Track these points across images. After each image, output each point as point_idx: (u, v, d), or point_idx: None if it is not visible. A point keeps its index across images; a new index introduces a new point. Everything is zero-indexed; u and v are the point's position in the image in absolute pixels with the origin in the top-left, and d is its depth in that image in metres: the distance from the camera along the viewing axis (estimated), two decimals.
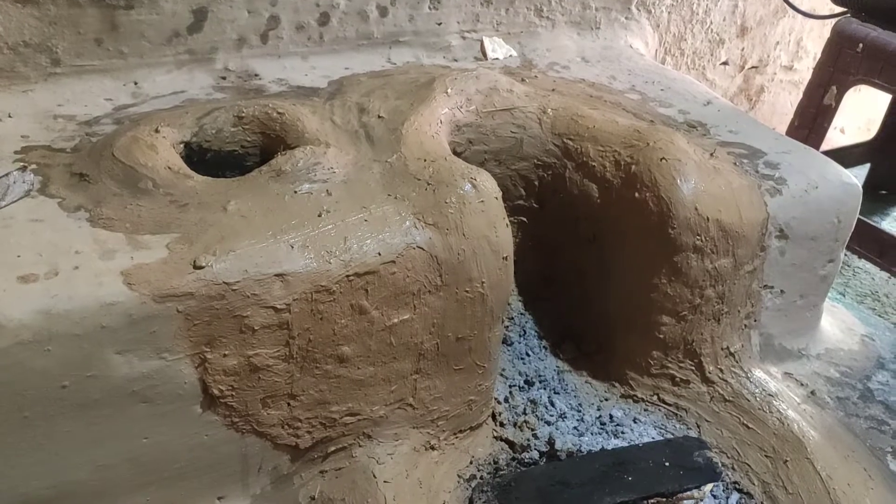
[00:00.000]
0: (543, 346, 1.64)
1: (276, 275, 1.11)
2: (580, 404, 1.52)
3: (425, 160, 1.32)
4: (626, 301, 1.52)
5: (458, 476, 1.33)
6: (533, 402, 1.50)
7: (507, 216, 1.29)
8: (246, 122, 1.40)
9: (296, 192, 1.22)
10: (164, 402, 1.09)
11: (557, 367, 1.60)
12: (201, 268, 1.07)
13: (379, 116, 1.48)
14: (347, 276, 1.15)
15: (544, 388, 1.54)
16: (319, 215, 1.18)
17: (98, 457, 1.08)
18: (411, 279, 1.21)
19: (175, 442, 1.13)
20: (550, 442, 1.38)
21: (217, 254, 1.08)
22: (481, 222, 1.25)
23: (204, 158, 1.39)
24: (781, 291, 1.56)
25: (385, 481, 1.24)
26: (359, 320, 1.19)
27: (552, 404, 1.50)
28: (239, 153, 1.40)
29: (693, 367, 1.52)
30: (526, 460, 1.36)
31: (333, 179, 1.26)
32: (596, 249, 1.57)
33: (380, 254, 1.18)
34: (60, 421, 1.03)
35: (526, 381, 1.54)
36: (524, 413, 1.48)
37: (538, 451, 1.38)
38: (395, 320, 1.22)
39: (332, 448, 1.26)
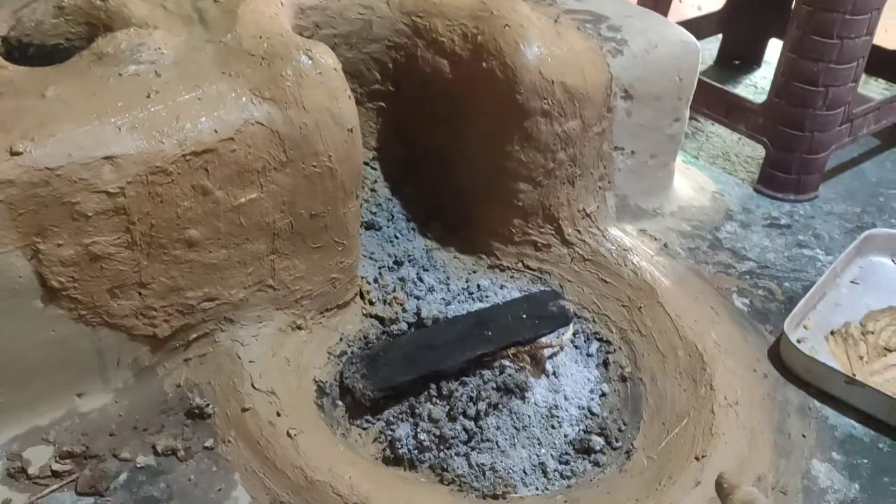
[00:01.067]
0: (412, 228, 1.65)
1: (104, 157, 1.07)
2: (448, 278, 1.55)
3: (261, 37, 1.28)
4: (483, 173, 1.55)
5: (329, 353, 1.35)
6: (402, 279, 1.53)
7: (348, 89, 1.27)
8: (68, 13, 1.31)
9: (121, 74, 1.17)
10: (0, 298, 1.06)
11: (426, 245, 1.63)
12: (19, 153, 1.02)
13: (214, 2, 1.42)
14: (184, 155, 1.12)
15: (413, 266, 1.56)
16: (148, 96, 1.14)
17: None
18: (254, 156, 1.19)
19: (19, 340, 1.10)
20: (418, 313, 1.41)
21: (35, 139, 1.03)
22: (321, 94, 1.23)
23: (26, 54, 1.31)
24: (632, 152, 1.61)
25: (250, 361, 1.24)
26: (203, 202, 1.17)
27: (421, 280, 1.53)
28: (64, 46, 1.33)
29: (553, 231, 1.57)
30: (395, 332, 1.39)
31: (162, 61, 1.21)
32: (452, 126, 1.59)
33: (216, 131, 1.15)
34: None
35: (395, 262, 1.56)
36: (393, 291, 1.50)
37: (406, 322, 1.41)
38: (243, 200, 1.20)
39: (194, 335, 1.25)
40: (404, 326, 1.40)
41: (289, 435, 1.13)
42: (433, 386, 1.24)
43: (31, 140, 1.03)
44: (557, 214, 1.56)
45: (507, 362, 1.28)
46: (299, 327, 1.34)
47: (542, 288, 1.53)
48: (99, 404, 1.20)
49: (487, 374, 1.26)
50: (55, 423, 1.16)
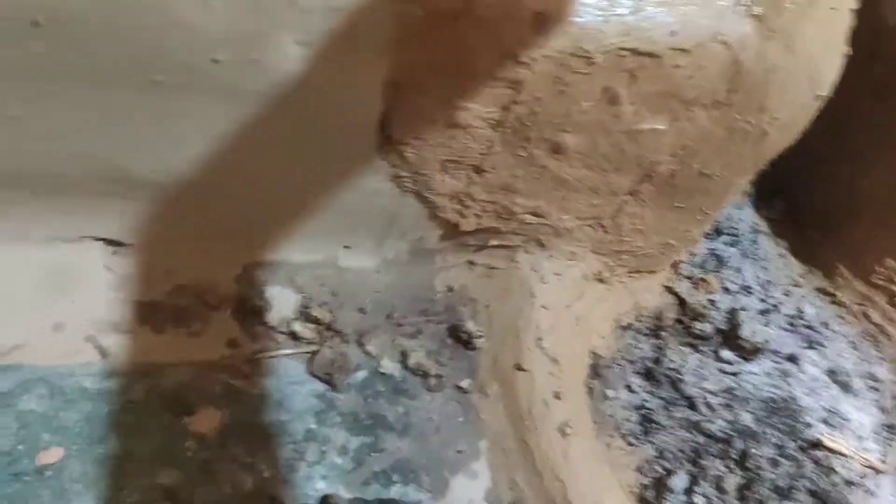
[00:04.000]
0: (747, 194, 1.31)
1: (533, 12, 0.75)
2: (769, 281, 1.23)
3: None
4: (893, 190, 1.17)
5: (615, 321, 1.08)
6: (718, 257, 1.21)
7: (848, 47, 0.89)
8: None
9: None
10: (329, 124, 0.80)
11: (754, 224, 1.29)
12: None
13: None
14: (620, 49, 0.80)
15: (733, 246, 1.24)
16: None
17: (227, 158, 0.81)
18: (693, 82, 0.85)
19: (322, 171, 0.86)
20: (734, 321, 1.12)
21: None
22: (818, 40, 0.86)
23: None
24: None
25: (543, 306, 0.99)
26: (602, 110, 0.85)
27: (739, 270, 1.21)
28: None
29: None
30: (696, 331, 1.11)
31: None
32: (885, 106, 1.18)
33: (674, 35, 0.80)
34: (193, 100, 0.74)
35: (716, 229, 1.24)
36: (703, 267, 1.20)
37: (714, 326, 1.12)
38: (645, 126, 0.88)
39: (495, 242, 0.99)
40: (708, 329, 1.11)
41: (561, 432, 0.90)
42: (739, 444, 0.98)
43: None
44: None
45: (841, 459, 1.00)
46: (602, 280, 1.07)
47: (872, 351, 1.20)
48: (360, 266, 0.98)
49: (810, 466, 0.99)
50: (309, 266, 0.96)
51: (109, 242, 0.87)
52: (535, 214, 0.96)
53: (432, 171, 0.88)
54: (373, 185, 0.88)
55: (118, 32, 0.67)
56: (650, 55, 0.81)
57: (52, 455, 0.77)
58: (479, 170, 0.89)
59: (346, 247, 0.97)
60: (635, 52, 0.80)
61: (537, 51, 0.77)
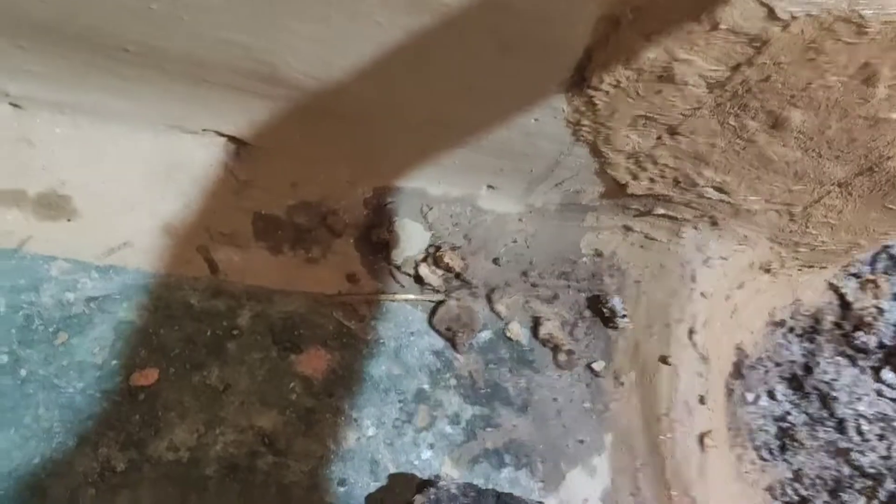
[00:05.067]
0: None
1: None
2: None
3: None
4: None
5: (769, 315, 0.95)
6: (892, 256, 1.05)
7: None
8: None
9: None
10: (528, 54, 0.65)
11: None
12: None
13: None
14: (890, 21, 0.62)
15: None
16: None
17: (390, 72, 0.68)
18: None
19: (498, 101, 0.72)
20: None
21: None
22: None
23: None
24: None
25: (702, 294, 0.85)
26: (851, 89, 0.69)
27: None
28: None
29: None
30: (856, 341, 0.97)
31: None
32: None
33: None
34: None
35: None
36: (874, 265, 1.04)
37: (879, 338, 0.97)
38: (891, 115, 0.71)
39: (661, 211, 0.85)
40: (871, 342, 0.97)
41: (700, 443, 0.79)
42: (891, 484, 0.86)
43: None
44: None
45: None
46: (768, 271, 0.92)
47: None
48: (502, 210, 0.85)
49: None
50: (445, 202, 0.84)
51: (234, 140, 0.76)
52: (719, 190, 0.81)
53: (619, 125, 0.73)
54: (545, 127, 0.74)
55: None
56: None
57: (148, 376, 0.69)
58: (674, 131, 0.74)
59: (490, 186, 0.84)
60: None
61: (801, 5, 0.60)
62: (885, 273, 1.05)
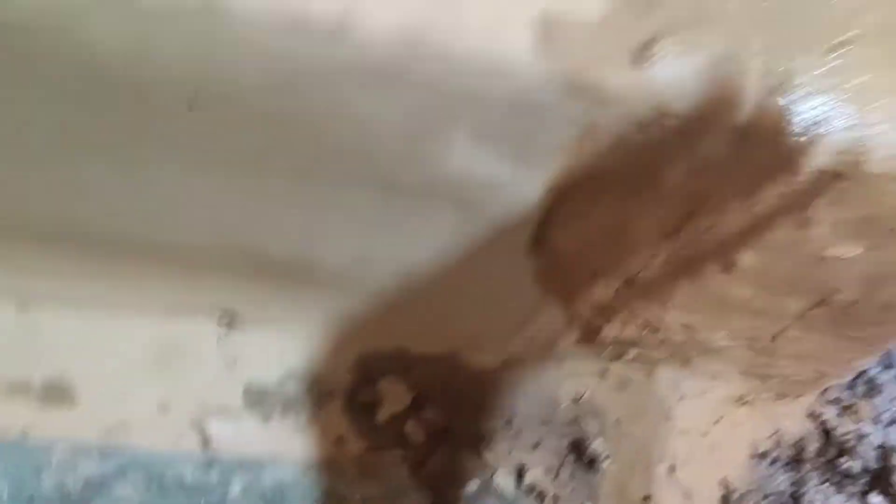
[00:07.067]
0: None
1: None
2: None
3: None
4: None
5: (752, 448, 0.97)
6: (870, 381, 1.08)
7: None
8: None
9: None
10: (483, 221, 0.72)
11: None
12: (649, 62, 0.61)
13: None
14: (826, 169, 0.69)
15: (888, 369, 1.10)
16: (837, 46, 0.68)
17: (365, 247, 0.74)
18: None
19: (462, 268, 0.77)
20: (885, 460, 0.99)
21: (681, 46, 0.62)
22: None
23: None
24: None
25: (681, 432, 0.88)
26: (787, 231, 0.74)
27: (894, 398, 1.08)
28: None
29: None
30: (841, 467, 0.98)
31: None
32: None
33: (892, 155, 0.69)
34: (343, 193, 0.67)
35: (886, 364, 1.11)
36: (853, 390, 1.07)
37: (862, 464, 0.99)
38: (836, 252, 0.77)
39: (634, 353, 0.89)
40: (856, 467, 0.99)
41: None
42: None
43: (677, 43, 0.62)
44: None
45: None
46: (745, 403, 0.95)
47: None
48: (483, 364, 0.89)
49: None
50: (426, 360, 0.87)
51: (225, 318, 0.80)
52: (686, 330, 0.85)
53: (581, 279, 0.78)
54: (513, 285, 0.79)
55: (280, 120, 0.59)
56: (860, 178, 0.70)
57: None
58: (635, 280, 0.79)
59: (469, 342, 0.88)
60: (843, 174, 0.69)
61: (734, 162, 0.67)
62: (865, 397, 1.08)
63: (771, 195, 0.69)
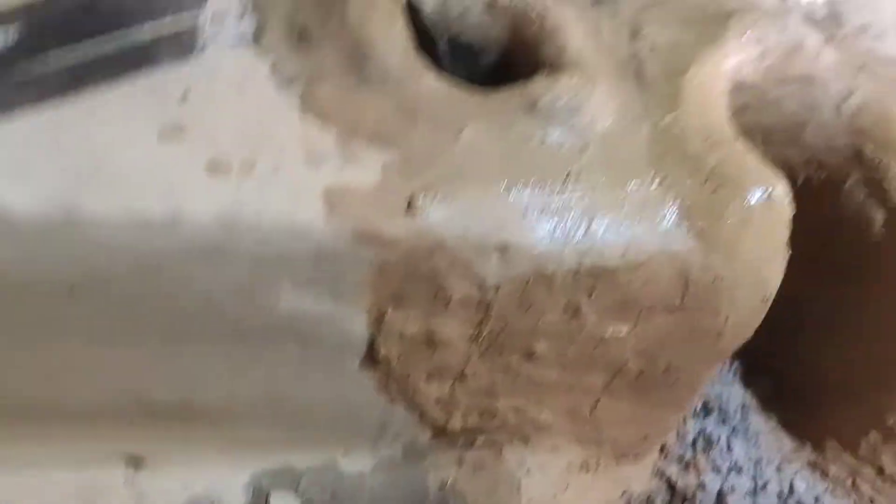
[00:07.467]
0: (734, 371, 1.37)
1: (497, 244, 0.86)
2: (760, 458, 1.27)
3: (708, 139, 1.00)
4: (869, 364, 1.23)
5: None
6: (708, 439, 1.26)
7: (788, 250, 0.98)
8: (498, 14, 1.10)
9: (545, 139, 0.94)
10: (322, 349, 0.90)
11: (744, 402, 1.34)
12: (415, 212, 0.83)
13: (652, 49, 1.15)
14: (577, 271, 0.90)
15: (724, 423, 1.29)
16: (566, 179, 0.91)
17: (235, 385, 0.91)
18: (648, 292, 0.94)
19: (318, 390, 0.95)
20: (722, 497, 1.15)
21: (439, 197, 0.84)
22: (759, 248, 0.96)
23: (433, 42, 1.11)
24: None
25: (529, 501, 1.04)
26: (567, 322, 0.95)
27: (729, 448, 1.26)
28: (476, 49, 1.12)
29: None
30: None
31: (592, 131, 0.97)
32: (852, 286, 1.26)
33: (625, 254, 0.91)
34: (204, 344, 0.85)
35: (704, 407, 1.30)
36: (694, 447, 1.24)
37: None
38: (608, 333, 0.97)
39: (482, 440, 1.06)
40: None
41: None
42: None
43: (434, 197, 0.84)
44: None
45: None
46: (588, 469, 1.12)
47: None
48: (357, 470, 1.05)
49: None
50: (310, 473, 1.03)
51: (131, 461, 0.96)
52: (516, 412, 1.03)
53: (417, 381, 0.97)
54: (362, 398, 0.97)
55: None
56: (604, 273, 0.91)
57: None
58: (461, 377, 0.98)
59: (343, 452, 1.04)
60: (591, 273, 0.90)
61: (504, 277, 0.88)
62: (703, 452, 1.26)
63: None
